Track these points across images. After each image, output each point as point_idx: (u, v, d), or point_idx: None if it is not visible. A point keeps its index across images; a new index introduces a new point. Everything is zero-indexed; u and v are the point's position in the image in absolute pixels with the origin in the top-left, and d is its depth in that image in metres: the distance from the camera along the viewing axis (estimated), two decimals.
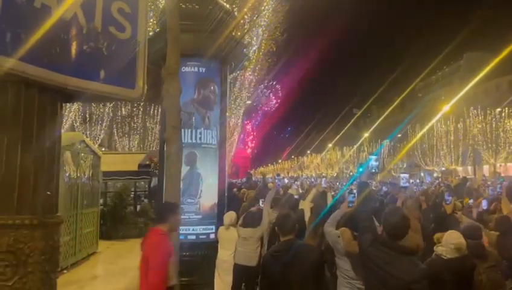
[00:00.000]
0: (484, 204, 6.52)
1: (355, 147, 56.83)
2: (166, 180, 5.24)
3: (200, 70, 7.05)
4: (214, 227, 6.81)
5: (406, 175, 6.39)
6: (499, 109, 38.16)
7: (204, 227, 6.79)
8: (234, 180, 23.37)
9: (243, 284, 5.82)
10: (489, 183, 12.29)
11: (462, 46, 48.24)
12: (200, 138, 6.89)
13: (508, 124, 38.04)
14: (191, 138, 6.71)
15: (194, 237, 6.62)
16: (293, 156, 76.91)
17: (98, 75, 1.98)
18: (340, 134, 51.76)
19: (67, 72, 1.86)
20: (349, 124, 48.25)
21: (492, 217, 5.83)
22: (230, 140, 24.50)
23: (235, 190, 10.54)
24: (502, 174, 33.86)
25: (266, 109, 32.12)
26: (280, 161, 75.00)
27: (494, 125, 38.66)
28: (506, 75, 44.83)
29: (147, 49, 2.11)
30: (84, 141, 10.04)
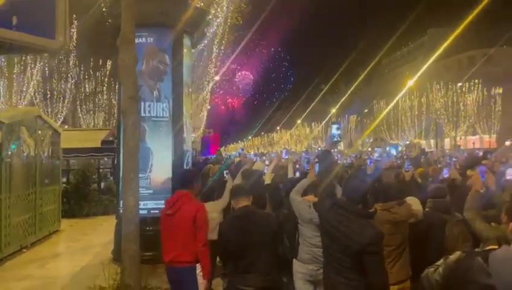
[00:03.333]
0: (445, 172, 6.74)
1: (323, 122, 57.54)
2: (124, 154, 5.07)
3: (148, 40, 6.77)
4: None
5: (380, 149, 6.55)
6: (459, 84, 39.46)
7: (156, 202, 6.65)
8: (204, 157, 23.17)
9: None
10: (447, 154, 12.76)
11: (426, 22, 49.06)
12: (150, 111, 6.67)
13: (469, 98, 39.47)
14: (139, 112, 6.48)
15: (145, 211, 6.45)
16: (263, 133, 77.14)
17: (9, 22, 1.78)
18: (309, 110, 52.17)
19: None
20: (316, 100, 48.64)
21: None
22: (199, 116, 24.17)
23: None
24: (462, 147, 35.31)
25: (234, 87, 31.73)
26: (250, 137, 75.06)
27: (455, 99, 40.01)
28: (467, 51, 46.22)
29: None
30: (41, 116, 9.60)
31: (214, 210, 5.49)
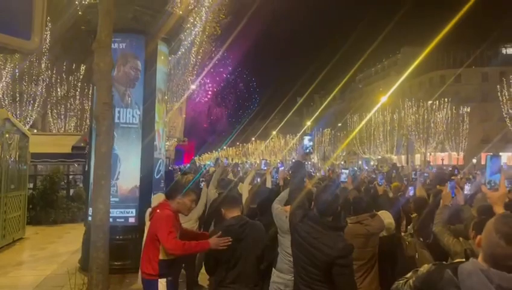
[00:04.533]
0: (411, 190, 6.86)
1: (298, 135, 58.10)
2: (96, 160, 4.95)
3: (121, 46, 6.67)
4: (134, 211, 6.54)
5: (347, 171, 6.57)
6: (430, 102, 40.75)
7: (122, 210, 6.51)
8: (177, 166, 22.92)
9: (183, 265, 5.70)
10: (418, 169, 13.06)
11: (400, 40, 50.53)
12: (119, 118, 6.51)
13: (439, 115, 40.78)
14: None
15: (110, 220, 6.34)
16: (238, 143, 77.01)
17: None
18: (284, 122, 52.63)
19: None
20: (291, 112, 49.20)
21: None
22: (174, 124, 23.90)
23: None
24: (431, 163, 36.33)
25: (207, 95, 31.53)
26: (225, 147, 74.75)
27: (426, 116, 41.24)
28: (439, 69, 47.87)
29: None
30: (9, 119, 9.27)
31: (188, 220, 5.44)
